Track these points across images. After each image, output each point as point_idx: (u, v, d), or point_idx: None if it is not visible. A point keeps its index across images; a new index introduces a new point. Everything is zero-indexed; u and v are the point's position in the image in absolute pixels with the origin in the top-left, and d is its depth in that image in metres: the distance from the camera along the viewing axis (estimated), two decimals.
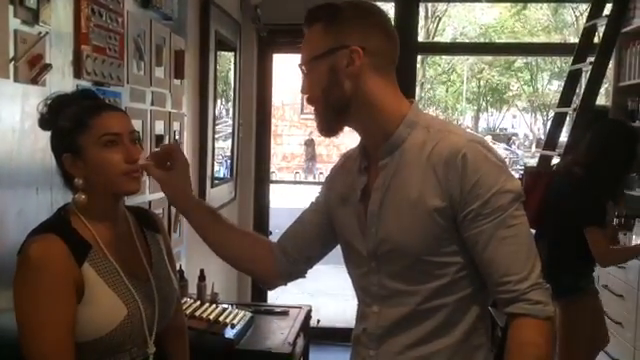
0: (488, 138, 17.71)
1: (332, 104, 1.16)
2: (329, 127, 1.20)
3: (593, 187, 2.51)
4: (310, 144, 16.10)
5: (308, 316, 2.53)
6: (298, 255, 1.34)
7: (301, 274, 1.38)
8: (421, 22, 15.99)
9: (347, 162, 1.30)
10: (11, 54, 1.33)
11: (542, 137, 16.08)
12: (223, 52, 3.52)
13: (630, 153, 2.58)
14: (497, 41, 16.42)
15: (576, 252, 2.53)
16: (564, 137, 3.76)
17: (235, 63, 3.70)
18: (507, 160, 17.33)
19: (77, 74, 1.63)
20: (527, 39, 16.65)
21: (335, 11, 1.15)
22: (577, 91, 4.02)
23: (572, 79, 3.88)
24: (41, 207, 1.44)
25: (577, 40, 4.01)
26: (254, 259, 1.35)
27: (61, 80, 1.55)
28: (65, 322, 1.13)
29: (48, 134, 1.26)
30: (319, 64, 1.15)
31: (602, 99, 4.43)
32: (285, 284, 1.40)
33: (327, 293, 5.57)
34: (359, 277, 1.24)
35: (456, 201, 1.09)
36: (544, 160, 3.63)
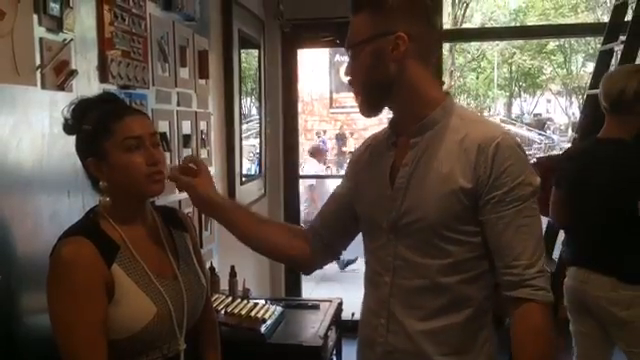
0: (523, 128, 17.26)
1: (375, 84, 1.22)
2: (371, 107, 1.26)
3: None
4: (341, 138, 16.06)
5: (339, 309, 2.54)
6: (330, 236, 1.41)
7: (336, 255, 1.46)
8: (448, 9, 15.76)
9: (373, 142, 1.37)
10: (37, 62, 1.37)
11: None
12: (250, 50, 3.54)
13: None
14: (527, 24, 16.03)
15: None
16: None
17: (260, 60, 3.72)
18: (543, 146, 16.89)
19: (103, 78, 1.66)
20: (558, 21, 16.23)
21: None
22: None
23: (604, 59, 3.76)
24: (73, 210, 1.48)
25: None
26: (291, 246, 1.40)
27: (87, 85, 1.58)
28: (96, 321, 1.16)
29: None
30: (365, 48, 1.20)
31: None
32: (321, 267, 1.47)
33: (362, 287, 5.55)
34: (375, 249, 1.29)
35: (483, 184, 1.15)
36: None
